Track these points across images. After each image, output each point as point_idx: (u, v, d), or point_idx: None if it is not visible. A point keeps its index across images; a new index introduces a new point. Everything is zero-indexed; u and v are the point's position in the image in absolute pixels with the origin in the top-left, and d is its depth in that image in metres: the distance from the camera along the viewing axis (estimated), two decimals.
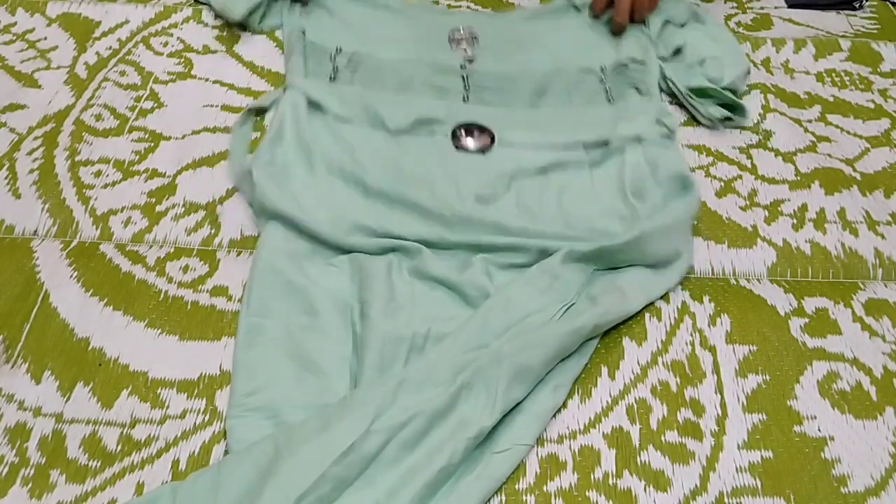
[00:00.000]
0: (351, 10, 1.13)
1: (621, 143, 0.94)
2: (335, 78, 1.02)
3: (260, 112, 1.01)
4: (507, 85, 1.03)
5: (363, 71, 1.03)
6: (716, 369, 0.79)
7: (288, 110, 0.95)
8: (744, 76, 1.07)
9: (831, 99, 1.09)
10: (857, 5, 1.24)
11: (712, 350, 0.80)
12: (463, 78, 1.04)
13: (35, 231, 0.88)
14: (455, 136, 0.95)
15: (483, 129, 0.96)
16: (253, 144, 0.97)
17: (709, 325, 0.82)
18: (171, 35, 1.14)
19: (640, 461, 0.73)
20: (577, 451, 0.73)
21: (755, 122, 1.04)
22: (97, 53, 1.11)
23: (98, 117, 1.02)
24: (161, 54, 1.11)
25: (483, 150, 0.94)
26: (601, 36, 1.10)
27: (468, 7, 1.21)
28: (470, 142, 0.95)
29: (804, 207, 0.94)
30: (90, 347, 0.78)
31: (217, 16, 1.16)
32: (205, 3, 1.17)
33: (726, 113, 1.02)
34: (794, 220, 0.93)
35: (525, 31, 1.12)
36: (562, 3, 1.16)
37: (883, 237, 0.91)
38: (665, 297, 0.84)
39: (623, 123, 0.96)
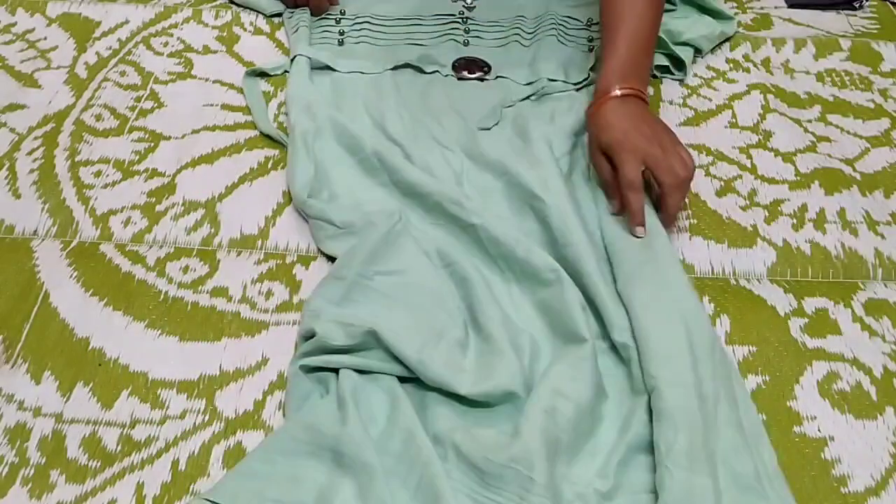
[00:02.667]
0: None
1: None
2: (343, 42, 1.10)
3: (262, 74, 1.08)
4: (503, 28, 1.12)
5: (368, 30, 1.11)
6: None
7: (292, 78, 1.03)
8: (712, 37, 1.12)
9: (831, 99, 1.09)
10: (857, 5, 1.24)
11: None
12: (462, 21, 1.12)
13: (35, 231, 0.88)
14: (455, 69, 1.06)
15: (480, 64, 1.07)
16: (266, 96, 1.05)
17: None
18: (172, 35, 1.14)
19: None
20: None
21: (755, 122, 1.04)
22: (97, 53, 1.11)
23: (98, 117, 1.02)
24: (161, 54, 1.11)
25: (481, 79, 1.05)
26: None
27: None
28: (468, 74, 1.06)
29: (804, 207, 0.94)
30: (90, 347, 0.78)
31: (217, 16, 1.17)
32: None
33: (664, 63, 1.08)
34: (794, 220, 0.92)
35: None
36: None
37: (883, 237, 0.91)
38: None
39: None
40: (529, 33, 1.11)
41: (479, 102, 1.01)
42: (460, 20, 1.13)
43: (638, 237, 0.84)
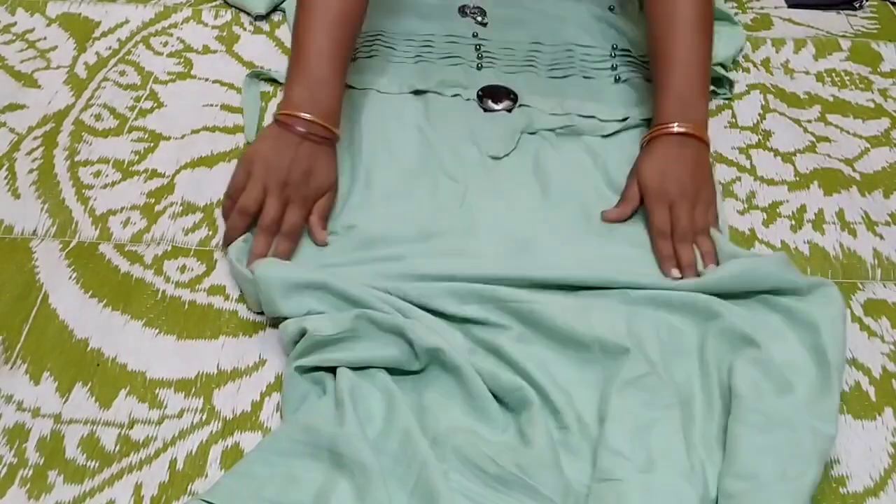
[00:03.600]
0: None
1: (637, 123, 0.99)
2: (355, 58, 1.03)
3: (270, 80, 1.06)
4: (518, 55, 1.06)
5: (381, 44, 1.06)
6: None
7: None
8: (737, 52, 1.10)
9: (831, 99, 1.09)
10: (857, 5, 1.24)
11: None
12: (476, 47, 1.06)
13: (34, 231, 0.88)
14: (480, 99, 1.00)
15: (506, 92, 1.01)
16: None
17: None
18: (171, 35, 1.14)
19: None
20: None
21: (755, 122, 1.04)
22: (97, 53, 1.11)
23: (98, 117, 1.02)
24: (161, 54, 1.11)
25: (508, 109, 0.99)
26: (605, 23, 1.10)
27: None
28: (494, 105, 1.00)
29: (803, 209, 0.94)
30: (89, 348, 0.78)
31: (217, 16, 1.17)
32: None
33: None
34: (793, 222, 0.92)
35: (530, 11, 1.12)
36: None
37: (882, 237, 0.91)
38: None
39: (633, 108, 1.00)
40: (546, 66, 1.05)
41: (501, 133, 0.97)
42: (473, 45, 1.06)
43: (674, 278, 0.82)
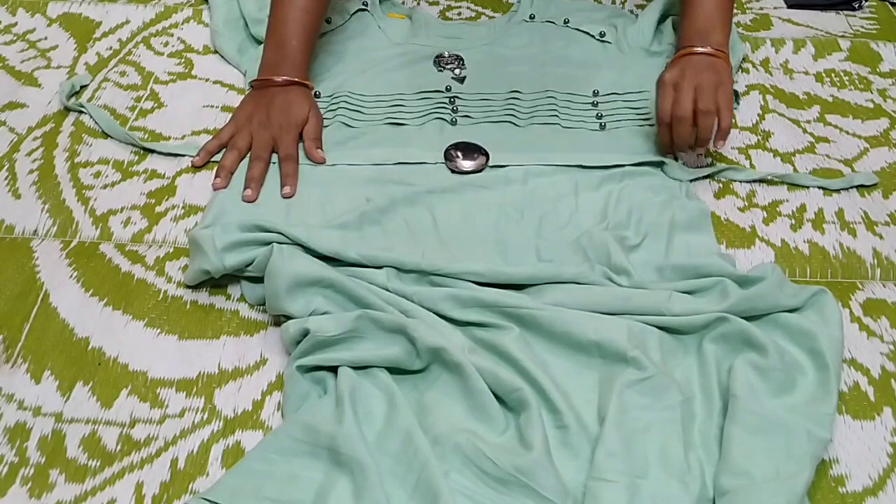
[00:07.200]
0: (327, 49, 1.08)
1: (612, 174, 0.94)
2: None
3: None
4: (495, 106, 1.01)
5: (345, 108, 1.00)
6: None
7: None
8: (738, 64, 1.09)
9: (830, 99, 1.09)
10: (856, 5, 1.25)
11: None
12: (450, 100, 1.02)
13: (35, 231, 0.89)
14: (449, 158, 0.94)
15: (477, 149, 0.95)
16: None
17: None
18: (172, 35, 1.15)
19: None
20: None
21: (754, 122, 1.05)
22: (97, 54, 1.11)
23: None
24: (161, 54, 1.11)
25: (479, 170, 0.93)
26: (595, 56, 1.09)
27: (467, 7, 1.22)
28: (465, 163, 0.94)
29: (802, 208, 0.94)
30: (90, 347, 0.78)
31: None
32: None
33: None
34: (793, 221, 0.93)
35: (512, 49, 1.10)
36: (526, 11, 1.15)
37: (881, 237, 0.91)
38: None
39: (613, 154, 0.96)
40: (525, 115, 1.00)
41: (471, 198, 0.91)
42: (447, 100, 1.01)
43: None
